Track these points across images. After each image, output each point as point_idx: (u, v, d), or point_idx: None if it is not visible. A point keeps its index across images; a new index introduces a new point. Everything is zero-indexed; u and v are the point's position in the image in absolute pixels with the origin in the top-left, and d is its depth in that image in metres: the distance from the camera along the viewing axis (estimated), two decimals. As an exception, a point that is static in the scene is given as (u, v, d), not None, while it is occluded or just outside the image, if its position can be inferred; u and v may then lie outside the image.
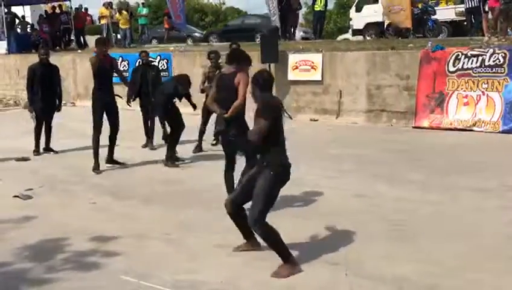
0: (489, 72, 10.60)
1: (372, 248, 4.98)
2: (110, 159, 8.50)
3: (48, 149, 9.61)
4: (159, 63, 14.70)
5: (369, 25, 18.59)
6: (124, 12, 20.03)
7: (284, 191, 4.79)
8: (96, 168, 8.14)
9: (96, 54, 8.18)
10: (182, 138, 8.65)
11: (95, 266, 4.75)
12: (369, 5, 18.71)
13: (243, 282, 4.37)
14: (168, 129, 8.76)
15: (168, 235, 5.45)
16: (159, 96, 8.54)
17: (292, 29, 18.02)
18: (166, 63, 14.91)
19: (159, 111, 8.65)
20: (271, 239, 4.52)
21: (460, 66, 10.90)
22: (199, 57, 13.89)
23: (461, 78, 10.86)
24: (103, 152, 8.31)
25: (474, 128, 10.55)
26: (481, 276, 4.37)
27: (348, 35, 21.43)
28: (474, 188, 6.82)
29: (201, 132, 9.36)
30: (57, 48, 19.73)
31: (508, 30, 13.41)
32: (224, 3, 49.78)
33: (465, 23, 15.82)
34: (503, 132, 10.24)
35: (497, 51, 10.61)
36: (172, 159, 8.42)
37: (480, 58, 10.70)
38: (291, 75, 12.91)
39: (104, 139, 8.26)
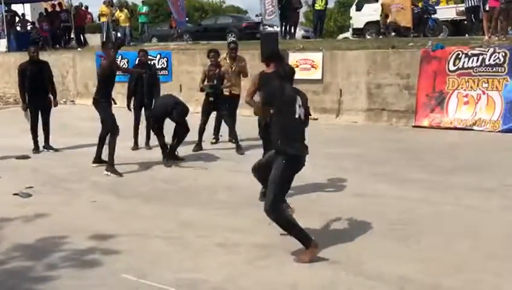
0: (489, 72, 10.62)
1: (373, 247, 4.98)
2: (98, 159, 8.30)
3: (47, 147, 9.60)
4: (159, 61, 14.73)
5: (369, 24, 18.59)
6: (125, 9, 20.02)
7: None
8: (114, 172, 7.83)
9: (108, 58, 8.14)
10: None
11: (95, 264, 4.75)
12: (369, 4, 18.68)
13: (243, 281, 4.37)
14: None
15: (169, 233, 5.45)
16: (157, 108, 8.55)
17: (293, 28, 18.03)
18: (166, 61, 14.92)
19: (154, 120, 8.62)
20: (284, 225, 4.75)
21: (460, 65, 10.91)
22: (199, 55, 13.90)
23: (461, 78, 10.88)
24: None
25: (474, 127, 10.56)
26: (481, 276, 4.37)
27: (348, 34, 21.39)
28: (475, 187, 6.83)
29: (201, 131, 9.35)
30: (57, 46, 19.71)
31: (508, 29, 13.42)
32: (224, 2, 49.90)
33: (466, 22, 15.83)
34: (503, 131, 10.26)
35: (497, 50, 10.63)
36: (172, 158, 8.43)
37: (480, 57, 10.71)
38: (292, 74, 12.89)
39: (95, 139, 8.20)
